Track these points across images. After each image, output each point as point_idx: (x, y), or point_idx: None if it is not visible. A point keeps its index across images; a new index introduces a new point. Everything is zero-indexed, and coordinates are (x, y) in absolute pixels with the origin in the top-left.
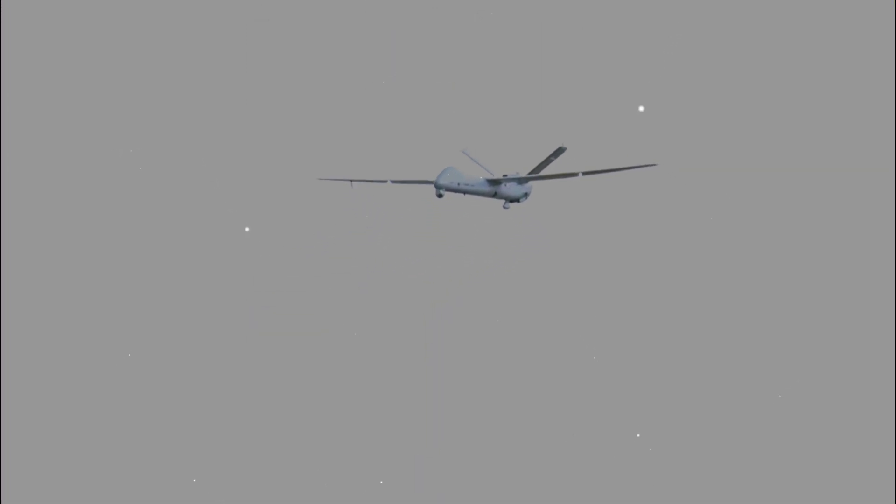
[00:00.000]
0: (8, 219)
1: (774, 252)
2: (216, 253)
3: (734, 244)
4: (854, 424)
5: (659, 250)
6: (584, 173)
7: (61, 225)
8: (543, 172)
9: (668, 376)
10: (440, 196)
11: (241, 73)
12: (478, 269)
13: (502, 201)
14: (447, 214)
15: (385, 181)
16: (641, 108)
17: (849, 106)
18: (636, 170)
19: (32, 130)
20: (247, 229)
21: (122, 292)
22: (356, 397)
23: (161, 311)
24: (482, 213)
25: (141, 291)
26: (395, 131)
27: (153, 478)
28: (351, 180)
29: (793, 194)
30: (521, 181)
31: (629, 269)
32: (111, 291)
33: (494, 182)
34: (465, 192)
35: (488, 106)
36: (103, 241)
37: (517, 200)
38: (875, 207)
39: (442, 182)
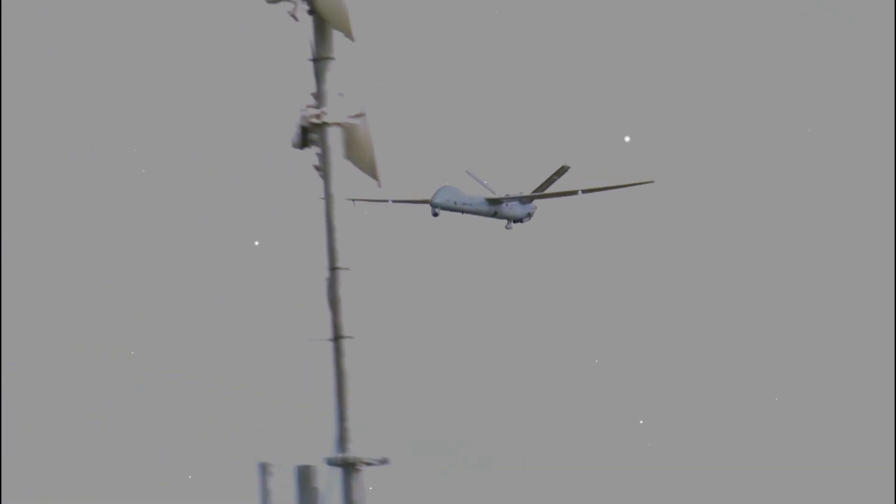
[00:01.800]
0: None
1: (774, 255)
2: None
3: (733, 249)
4: (854, 426)
5: (658, 254)
6: (584, 191)
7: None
8: (545, 192)
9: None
10: (436, 215)
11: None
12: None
13: (504, 221)
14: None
15: (386, 200)
16: (627, 139)
17: (849, 107)
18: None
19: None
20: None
21: (129, 294)
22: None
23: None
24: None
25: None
26: (399, 151)
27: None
28: (353, 199)
29: (792, 196)
30: (522, 200)
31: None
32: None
33: (495, 201)
34: (462, 212)
35: (494, 126)
36: (107, 243)
37: (520, 220)
38: (875, 208)
39: (438, 201)
